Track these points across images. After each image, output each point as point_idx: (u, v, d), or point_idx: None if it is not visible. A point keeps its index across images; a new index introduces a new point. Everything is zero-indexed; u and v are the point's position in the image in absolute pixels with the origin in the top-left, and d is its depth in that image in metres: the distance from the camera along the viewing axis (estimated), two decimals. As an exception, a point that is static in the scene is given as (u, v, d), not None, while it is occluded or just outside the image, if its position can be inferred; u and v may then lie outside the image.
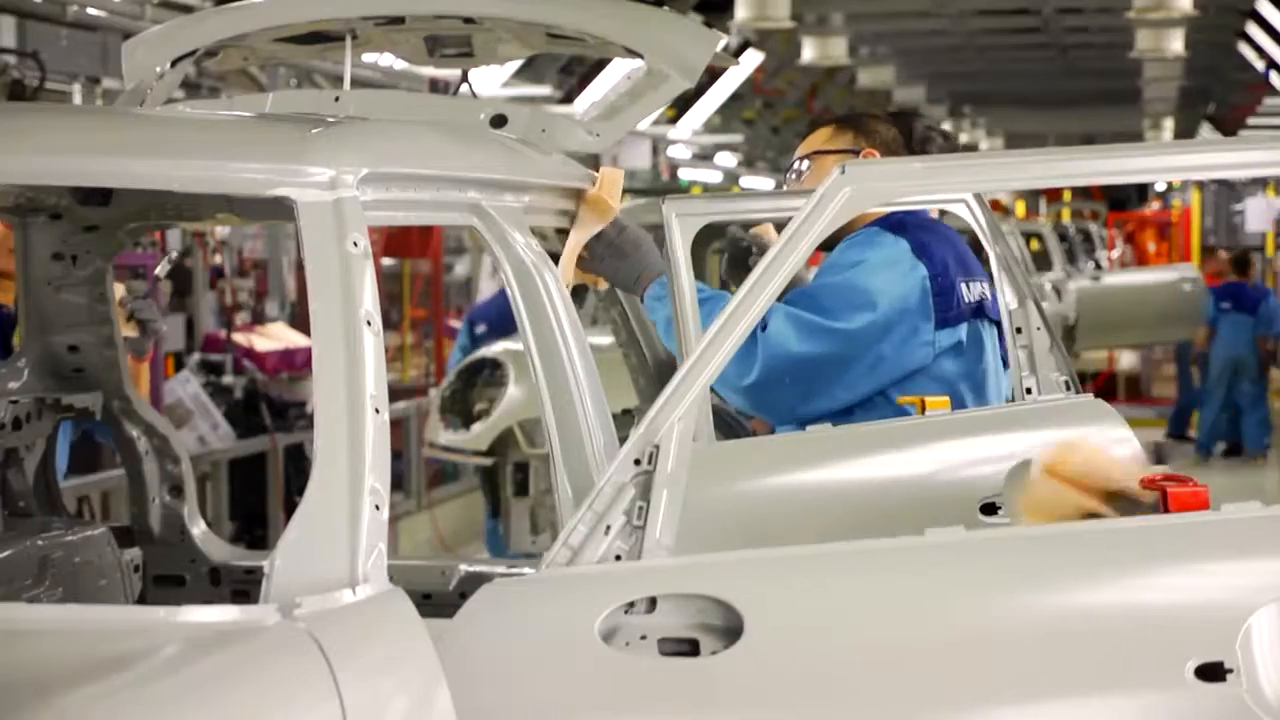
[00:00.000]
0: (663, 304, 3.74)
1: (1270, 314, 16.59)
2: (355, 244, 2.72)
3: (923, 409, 3.80)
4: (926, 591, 2.64)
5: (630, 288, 3.78)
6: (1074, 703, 2.56)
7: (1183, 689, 2.52)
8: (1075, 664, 2.56)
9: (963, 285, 3.97)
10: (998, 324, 3.99)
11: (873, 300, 3.87)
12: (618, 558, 2.60)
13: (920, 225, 4.02)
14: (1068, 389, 3.78)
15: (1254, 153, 2.89)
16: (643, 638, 2.59)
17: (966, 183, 2.91)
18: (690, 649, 2.59)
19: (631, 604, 2.59)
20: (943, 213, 4.20)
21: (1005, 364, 4.01)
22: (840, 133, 4.17)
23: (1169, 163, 3.01)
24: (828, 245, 4.10)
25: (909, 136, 4.15)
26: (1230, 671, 2.52)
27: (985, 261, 3.93)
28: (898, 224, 3.99)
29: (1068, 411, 3.71)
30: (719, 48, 3.68)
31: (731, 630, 2.58)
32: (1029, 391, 3.76)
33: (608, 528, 2.61)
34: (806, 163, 4.16)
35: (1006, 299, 3.82)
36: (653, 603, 2.60)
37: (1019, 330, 3.79)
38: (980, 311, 4.00)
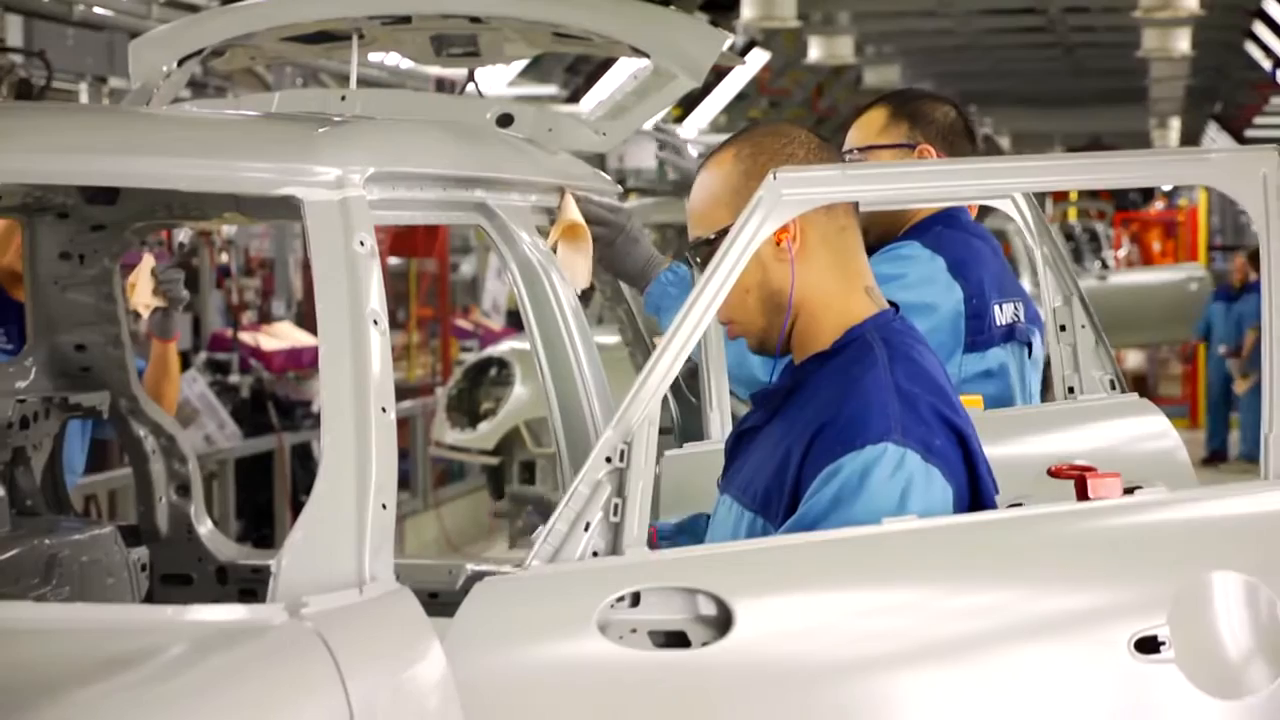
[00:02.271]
0: (676, 290, 3.62)
1: None
2: (362, 243, 2.72)
3: None
4: (897, 580, 2.70)
5: (640, 276, 3.71)
6: (1032, 679, 2.69)
7: (1123, 662, 2.69)
8: (1031, 644, 2.70)
9: (996, 308, 3.81)
10: (1028, 345, 3.88)
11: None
12: (595, 554, 2.63)
13: (960, 240, 3.84)
14: (1112, 388, 3.68)
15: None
16: (633, 631, 2.62)
17: (895, 191, 2.89)
18: (680, 641, 2.62)
19: (620, 598, 2.62)
20: (985, 210, 4.02)
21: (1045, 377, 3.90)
22: (895, 123, 3.93)
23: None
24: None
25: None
26: (1163, 644, 2.71)
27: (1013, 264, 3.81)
28: (935, 239, 3.81)
29: (1110, 410, 3.66)
30: (725, 47, 3.67)
31: (720, 621, 2.61)
32: (1071, 390, 3.68)
33: (587, 525, 2.63)
34: (858, 154, 3.93)
35: (1050, 296, 3.69)
36: (636, 597, 2.63)
37: (1063, 328, 3.69)
38: (1010, 335, 3.85)
